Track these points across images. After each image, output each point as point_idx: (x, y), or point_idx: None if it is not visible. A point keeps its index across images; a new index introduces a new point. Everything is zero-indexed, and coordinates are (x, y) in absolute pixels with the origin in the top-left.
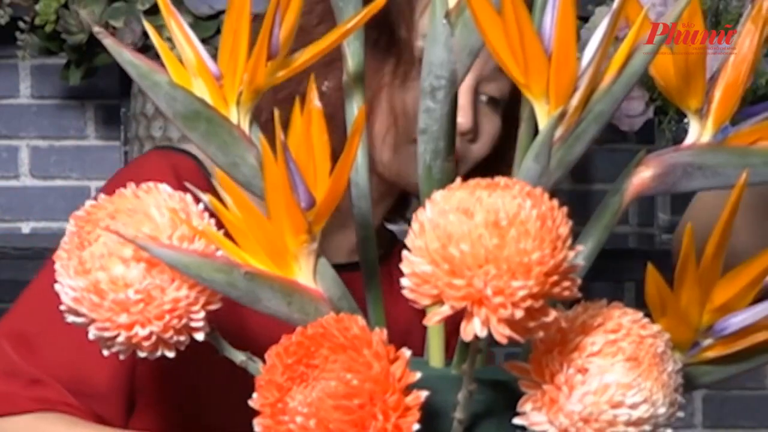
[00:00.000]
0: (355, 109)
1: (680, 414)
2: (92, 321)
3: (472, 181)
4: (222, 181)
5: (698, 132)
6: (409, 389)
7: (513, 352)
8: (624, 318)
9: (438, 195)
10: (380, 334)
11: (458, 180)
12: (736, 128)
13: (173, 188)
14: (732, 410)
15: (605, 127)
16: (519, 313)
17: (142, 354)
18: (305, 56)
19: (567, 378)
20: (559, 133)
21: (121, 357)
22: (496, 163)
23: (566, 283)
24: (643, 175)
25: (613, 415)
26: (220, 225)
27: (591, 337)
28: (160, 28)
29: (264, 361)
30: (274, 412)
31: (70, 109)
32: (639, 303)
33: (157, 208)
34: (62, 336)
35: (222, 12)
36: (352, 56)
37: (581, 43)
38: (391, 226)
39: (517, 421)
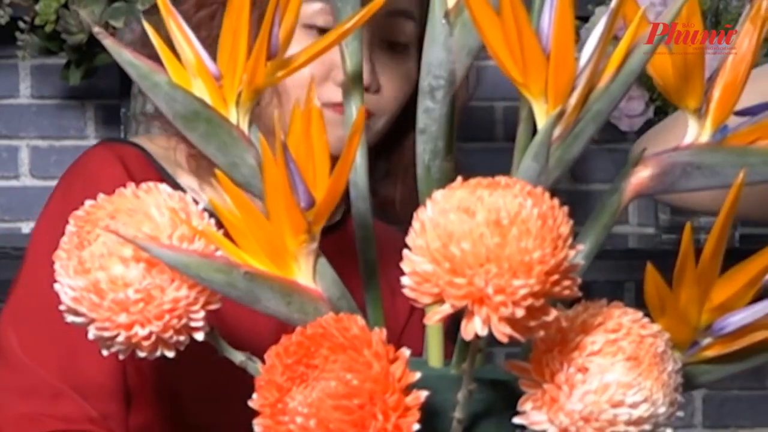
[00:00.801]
0: (354, 109)
1: (680, 413)
2: (92, 321)
3: (473, 180)
4: (221, 182)
5: (697, 131)
6: (409, 389)
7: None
8: (624, 317)
9: (439, 194)
10: (380, 334)
11: (459, 179)
12: (735, 128)
13: (120, 178)
14: (732, 410)
15: (605, 127)
16: (520, 312)
17: (141, 354)
18: (305, 56)
19: (567, 377)
20: (557, 132)
21: (121, 357)
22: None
23: (567, 282)
24: (641, 175)
25: (614, 415)
26: (220, 225)
27: (591, 337)
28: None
29: (263, 361)
30: (273, 412)
31: (70, 109)
32: (639, 303)
33: (157, 207)
34: (53, 339)
35: None
36: (351, 56)
37: (581, 43)
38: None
39: (517, 420)
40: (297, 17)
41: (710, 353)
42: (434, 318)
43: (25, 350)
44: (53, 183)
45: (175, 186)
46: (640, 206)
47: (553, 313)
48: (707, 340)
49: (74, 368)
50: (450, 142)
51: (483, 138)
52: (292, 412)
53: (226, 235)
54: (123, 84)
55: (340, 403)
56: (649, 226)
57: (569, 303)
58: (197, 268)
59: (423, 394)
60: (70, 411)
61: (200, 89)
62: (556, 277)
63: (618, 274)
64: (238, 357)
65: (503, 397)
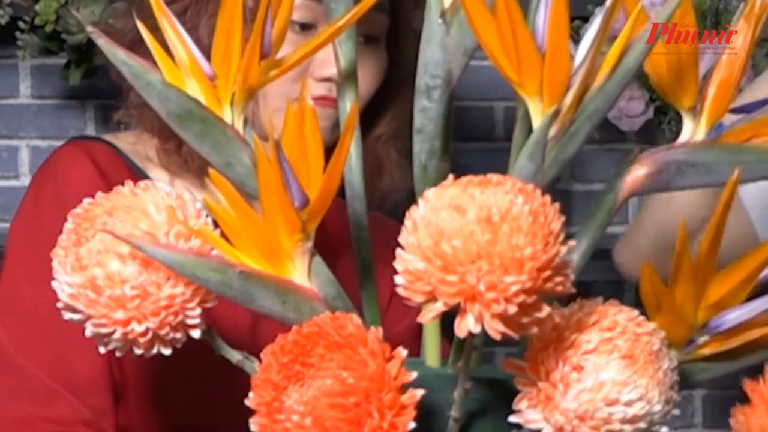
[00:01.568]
0: (347, 106)
1: (676, 411)
2: (89, 317)
3: (465, 179)
4: (216, 181)
5: (692, 130)
6: (405, 388)
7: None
8: (619, 315)
9: (430, 192)
10: (375, 332)
11: (450, 177)
12: (730, 126)
13: (90, 174)
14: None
15: (605, 127)
16: (512, 309)
17: (138, 351)
18: (297, 55)
19: (562, 375)
20: (553, 131)
21: (118, 354)
22: (386, 106)
23: (559, 279)
24: (636, 174)
25: (609, 413)
26: (217, 224)
27: (586, 335)
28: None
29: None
30: (270, 410)
31: (70, 109)
32: (639, 303)
33: (155, 205)
34: (40, 336)
35: None
36: (344, 55)
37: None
38: None
39: (512, 419)
40: (289, 17)
41: (707, 351)
42: (428, 316)
43: (15, 348)
44: None
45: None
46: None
47: (546, 310)
48: (704, 338)
49: (64, 363)
50: (447, 141)
51: (482, 138)
52: (288, 410)
53: (222, 234)
54: None
55: (336, 402)
56: None
57: (565, 301)
58: (192, 268)
59: (419, 392)
60: (64, 413)
61: (194, 89)
62: (548, 273)
63: (617, 274)
64: (234, 356)
65: (500, 396)
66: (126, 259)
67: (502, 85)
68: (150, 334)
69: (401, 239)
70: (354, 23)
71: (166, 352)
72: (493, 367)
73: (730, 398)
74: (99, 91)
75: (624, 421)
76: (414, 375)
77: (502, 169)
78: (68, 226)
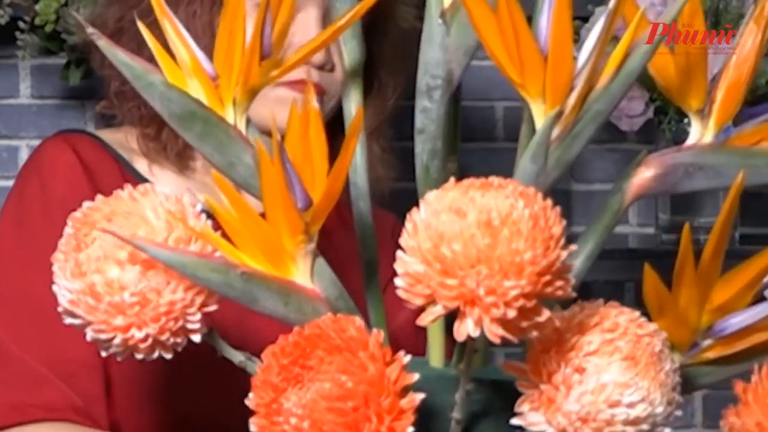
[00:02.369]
0: (352, 107)
1: (678, 413)
2: (89, 323)
3: (466, 181)
4: (218, 182)
5: (700, 132)
6: (406, 390)
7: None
8: (621, 317)
9: (431, 195)
10: (377, 335)
11: (452, 180)
12: (738, 129)
13: (75, 167)
14: None
15: (605, 127)
16: (511, 313)
17: (139, 356)
18: (298, 55)
19: (564, 377)
20: (556, 132)
21: (119, 359)
22: (366, 102)
23: (559, 283)
24: (644, 176)
25: (611, 415)
26: (217, 226)
27: (588, 337)
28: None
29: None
30: (269, 412)
31: (70, 109)
32: (639, 303)
33: (154, 210)
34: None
35: None
36: (349, 54)
37: (580, 43)
38: None
39: (514, 421)
40: (291, 16)
41: (711, 355)
42: (427, 319)
43: (6, 335)
44: None
45: (131, 171)
46: (640, 206)
47: (546, 314)
48: (707, 342)
49: (56, 347)
50: (452, 142)
51: (483, 138)
52: (286, 412)
53: (224, 236)
54: None
55: (334, 405)
56: (649, 226)
57: (567, 303)
58: (194, 268)
59: (418, 396)
60: (54, 399)
61: (196, 89)
62: (548, 277)
63: (618, 274)
64: (237, 357)
65: (502, 398)
66: (125, 265)
67: (502, 85)
68: (150, 340)
69: (402, 242)
70: (357, 21)
71: (168, 356)
72: (498, 368)
73: (729, 398)
74: (99, 91)
75: (626, 422)
76: (415, 377)
77: (503, 169)
78: (68, 230)
